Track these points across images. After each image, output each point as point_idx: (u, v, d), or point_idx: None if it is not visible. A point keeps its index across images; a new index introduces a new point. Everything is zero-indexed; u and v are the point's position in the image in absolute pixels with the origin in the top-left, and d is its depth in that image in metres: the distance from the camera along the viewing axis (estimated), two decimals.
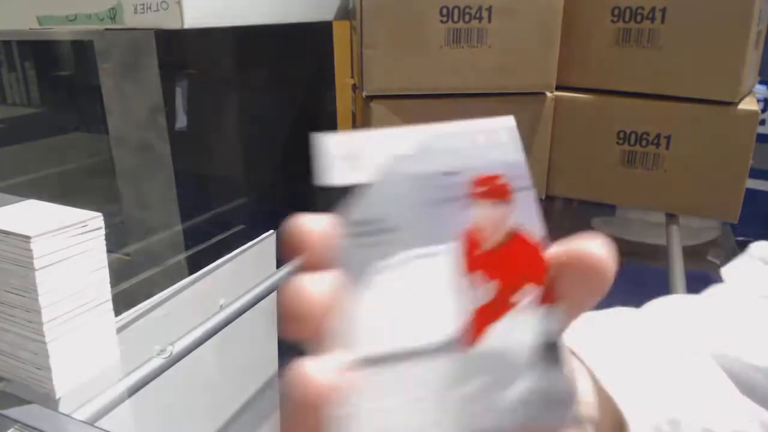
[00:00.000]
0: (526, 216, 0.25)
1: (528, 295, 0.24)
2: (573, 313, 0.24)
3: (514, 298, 0.24)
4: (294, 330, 0.22)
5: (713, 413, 0.35)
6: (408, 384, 0.22)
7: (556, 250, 0.24)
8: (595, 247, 0.23)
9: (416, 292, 0.23)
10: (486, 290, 0.24)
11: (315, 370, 0.21)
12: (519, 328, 0.23)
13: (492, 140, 0.26)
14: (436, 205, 0.24)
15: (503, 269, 0.24)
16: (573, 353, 0.33)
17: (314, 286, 0.22)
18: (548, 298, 0.24)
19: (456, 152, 0.25)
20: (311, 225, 0.23)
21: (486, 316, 0.23)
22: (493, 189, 0.25)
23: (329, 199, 0.24)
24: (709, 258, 1.17)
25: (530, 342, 0.23)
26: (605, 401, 0.33)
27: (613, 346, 0.36)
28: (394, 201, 0.24)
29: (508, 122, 0.26)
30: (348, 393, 0.21)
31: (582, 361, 0.33)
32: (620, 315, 0.40)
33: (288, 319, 0.22)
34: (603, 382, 0.33)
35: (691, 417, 0.34)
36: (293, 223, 0.23)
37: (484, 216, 0.25)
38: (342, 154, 0.24)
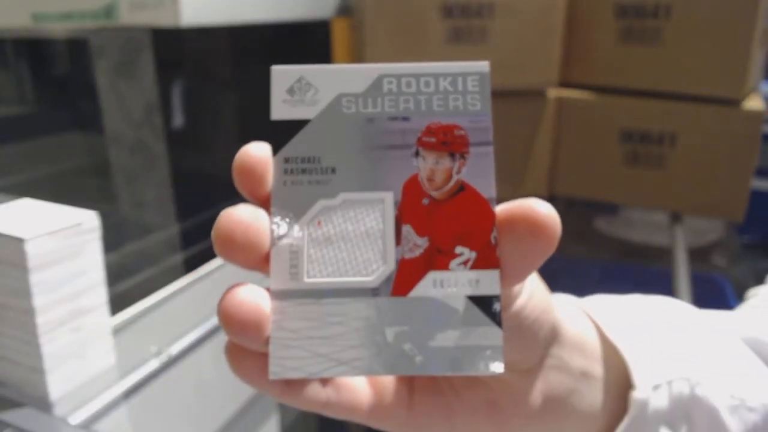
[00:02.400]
0: (479, 173, 0.23)
1: (462, 254, 0.23)
2: (518, 274, 0.23)
3: (447, 256, 0.23)
4: (231, 256, 0.22)
5: (742, 383, 0.35)
6: (338, 318, 0.23)
7: (500, 210, 0.23)
8: (539, 204, 0.22)
9: (351, 236, 0.23)
10: (420, 245, 0.23)
11: (245, 294, 0.21)
12: (450, 284, 0.23)
13: (457, 86, 0.24)
14: (381, 150, 0.24)
15: (440, 226, 0.23)
16: (583, 311, 0.34)
17: (254, 219, 0.22)
18: (487, 259, 0.23)
19: (412, 96, 0.24)
20: (256, 154, 0.23)
21: (415, 268, 0.23)
22: (446, 139, 0.24)
23: (281, 133, 0.23)
24: (714, 259, 1.17)
25: (459, 298, 0.23)
26: (612, 356, 0.33)
27: (629, 311, 0.36)
28: (335, 141, 0.24)
29: (481, 68, 0.24)
30: (282, 320, 0.22)
31: (590, 317, 0.33)
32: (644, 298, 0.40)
33: (226, 244, 0.22)
34: (607, 333, 0.33)
35: (713, 380, 0.34)
36: (240, 153, 0.23)
37: (430, 166, 0.23)
38: (290, 87, 0.24)
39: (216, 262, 0.93)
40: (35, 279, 0.56)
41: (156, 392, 0.72)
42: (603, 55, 1.04)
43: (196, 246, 1.23)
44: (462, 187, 0.23)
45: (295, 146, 0.23)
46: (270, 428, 1.13)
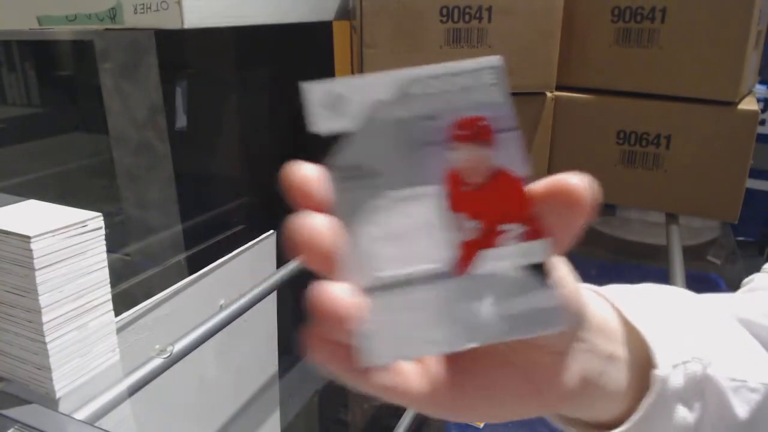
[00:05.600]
0: (509, 156, 0.26)
1: (512, 230, 0.26)
2: (563, 241, 0.26)
3: (497, 234, 0.26)
4: (309, 261, 0.25)
5: (743, 364, 0.38)
6: (415, 303, 0.25)
7: (538, 186, 0.26)
8: (574, 178, 0.26)
9: (409, 230, 0.26)
10: (471, 227, 0.26)
11: (338, 290, 0.24)
12: (506, 258, 0.26)
13: (476, 82, 0.26)
14: (417, 149, 0.26)
15: (486, 208, 0.26)
16: (601, 295, 0.36)
17: (321, 225, 0.25)
18: (534, 231, 0.26)
19: (437, 96, 0.26)
20: (305, 171, 0.25)
21: (472, 249, 0.26)
22: (475, 131, 0.26)
23: (319, 144, 0.25)
24: (709, 258, 1.17)
25: (517, 268, 0.26)
26: (633, 338, 0.36)
27: (642, 294, 0.40)
28: (375, 147, 0.26)
29: (495, 62, 0.27)
30: (365, 311, 0.24)
31: (607, 300, 0.36)
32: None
33: (302, 250, 0.25)
34: (627, 315, 0.35)
35: (719, 361, 0.37)
36: (290, 171, 0.25)
37: (465, 157, 0.26)
38: (324, 102, 0.26)
39: (218, 262, 0.94)
40: (41, 277, 0.56)
41: (159, 390, 0.73)
42: (600, 57, 1.04)
43: (200, 246, 1.24)
44: (498, 171, 0.26)
45: (340, 156, 0.25)
46: (272, 425, 1.14)
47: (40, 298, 0.57)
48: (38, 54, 1.62)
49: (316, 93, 0.26)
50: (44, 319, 0.57)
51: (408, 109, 0.26)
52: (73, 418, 0.59)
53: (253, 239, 1.02)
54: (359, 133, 0.26)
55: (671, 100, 1.01)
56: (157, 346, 0.72)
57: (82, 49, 1.42)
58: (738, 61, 0.94)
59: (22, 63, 1.62)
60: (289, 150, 1.38)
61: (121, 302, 0.71)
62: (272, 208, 1.33)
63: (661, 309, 0.39)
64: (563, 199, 0.26)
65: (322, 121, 0.25)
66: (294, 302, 1.20)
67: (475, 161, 0.26)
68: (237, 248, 0.98)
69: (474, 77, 0.26)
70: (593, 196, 0.26)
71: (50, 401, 0.60)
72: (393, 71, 0.26)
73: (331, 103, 0.26)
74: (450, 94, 0.26)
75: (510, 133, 0.26)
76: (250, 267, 1.00)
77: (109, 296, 0.64)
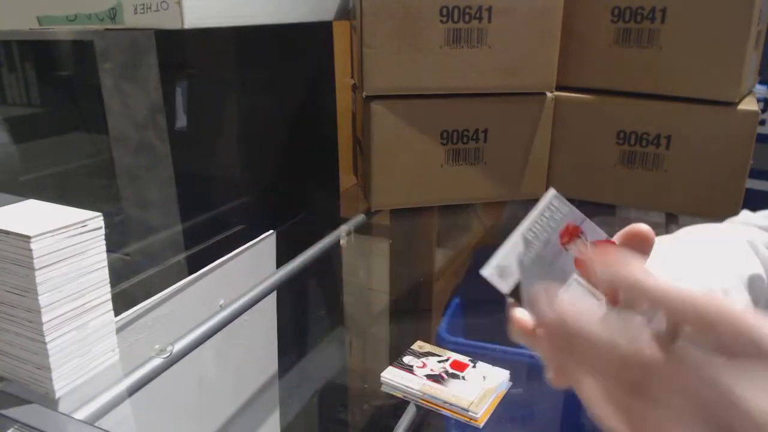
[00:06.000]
0: (593, 232, 0.45)
1: None
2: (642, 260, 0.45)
3: None
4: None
5: (713, 279, 0.54)
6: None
7: (620, 235, 0.45)
8: (641, 225, 0.45)
9: (585, 303, 0.44)
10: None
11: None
12: None
13: (553, 210, 0.44)
14: (554, 262, 0.44)
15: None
16: None
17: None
18: None
19: (542, 229, 0.44)
20: (519, 314, 0.42)
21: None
22: (571, 234, 0.44)
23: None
24: None
25: None
26: None
27: (664, 253, 0.54)
28: (534, 277, 0.42)
29: (552, 194, 0.44)
30: None
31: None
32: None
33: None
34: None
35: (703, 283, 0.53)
36: (512, 317, 0.42)
37: (576, 250, 0.44)
38: (497, 275, 0.43)
39: (218, 262, 0.94)
40: (41, 277, 0.56)
41: (159, 390, 0.73)
42: (600, 57, 1.04)
43: (199, 245, 1.23)
44: (594, 244, 0.45)
45: (522, 294, 0.42)
46: (272, 425, 1.14)
47: (40, 298, 0.57)
48: (38, 54, 1.62)
49: (490, 271, 0.42)
50: (44, 319, 0.57)
51: (534, 246, 0.43)
52: (73, 418, 0.59)
53: (253, 239, 1.02)
54: (523, 278, 0.43)
55: (671, 100, 1.01)
56: (157, 346, 0.73)
57: (82, 49, 1.42)
58: (738, 61, 0.94)
59: (22, 63, 1.62)
60: (289, 150, 1.38)
61: (121, 302, 0.71)
62: (272, 208, 1.33)
63: (679, 269, 0.53)
64: (638, 238, 0.45)
65: (503, 287, 0.42)
66: (294, 302, 1.20)
67: (582, 248, 0.44)
68: (237, 248, 0.98)
69: (550, 209, 0.44)
70: (653, 236, 0.45)
71: (50, 401, 0.60)
72: (514, 232, 0.43)
73: (499, 273, 0.42)
74: (546, 224, 0.44)
75: (585, 222, 0.45)
76: (250, 267, 1.00)
77: (109, 296, 0.64)
